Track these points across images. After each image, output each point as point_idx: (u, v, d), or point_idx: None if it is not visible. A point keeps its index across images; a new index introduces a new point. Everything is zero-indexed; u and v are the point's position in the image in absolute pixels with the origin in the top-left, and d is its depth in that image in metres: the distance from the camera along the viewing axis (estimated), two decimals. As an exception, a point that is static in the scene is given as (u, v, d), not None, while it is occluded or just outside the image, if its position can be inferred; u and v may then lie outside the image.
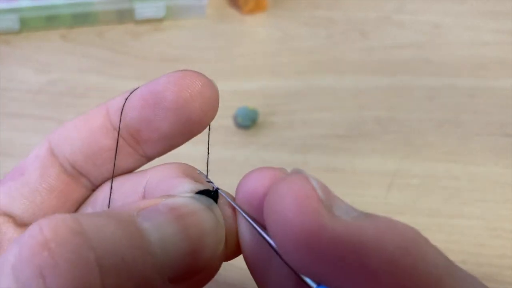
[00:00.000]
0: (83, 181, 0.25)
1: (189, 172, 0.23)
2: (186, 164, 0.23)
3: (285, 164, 0.47)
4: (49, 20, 0.59)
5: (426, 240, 0.17)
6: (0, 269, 0.16)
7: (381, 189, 0.44)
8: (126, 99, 0.24)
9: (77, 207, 0.25)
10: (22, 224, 0.24)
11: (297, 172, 0.18)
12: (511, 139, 0.47)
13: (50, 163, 0.24)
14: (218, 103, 0.23)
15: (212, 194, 0.21)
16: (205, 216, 0.19)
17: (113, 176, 0.24)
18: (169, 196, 0.20)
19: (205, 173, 0.23)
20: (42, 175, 0.24)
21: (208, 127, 0.23)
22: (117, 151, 0.24)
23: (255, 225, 0.19)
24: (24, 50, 0.57)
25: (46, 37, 0.59)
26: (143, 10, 0.59)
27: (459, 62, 0.55)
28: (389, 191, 0.44)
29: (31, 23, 0.59)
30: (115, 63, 0.56)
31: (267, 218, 0.17)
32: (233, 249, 0.21)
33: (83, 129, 0.24)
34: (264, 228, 0.18)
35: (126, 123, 0.23)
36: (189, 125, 0.22)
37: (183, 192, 0.21)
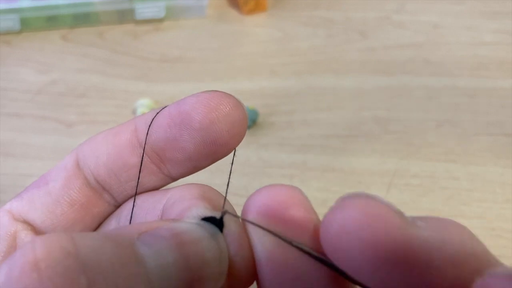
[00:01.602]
0: (106, 196, 0.24)
1: (209, 195, 0.22)
2: (208, 186, 0.22)
3: (285, 164, 0.47)
4: (50, 21, 0.59)
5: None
6: None
7: (380, 189, 0.44)
8: (154, 116, 0.23)
9: (98, 221, 0.25)
10: (40, 233, 0.24)
11: (357, 195, 0.16)
12: (511, 139, 0.47)
13: (74, 175, 0.24)
14: (246, 127, 0.22)
15: (217, 221, 0.19)
16: (208, 246, 0.18)
17: (136, 193, 0.24)
18: (173, 220, 0.19)
19: (225, 198, 0.22)
20: (65, 187, 0.24)
21: (233, 151, 0.22)
22: (142, 168, 0.23)
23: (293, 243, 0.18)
24: (25, 50, 0.58)
25: (47, 37, 0.59)
26: (143, 10, 0.59)
27: (458, 62, 0.55)
28: (388, 191, 0.44)
29: (31, 23, 0.59)
30: (115, 63, 0.56)
31: (328, 247, 0.16)
32: (246, 276, 0.19)
33: (110, 144, 0.24)
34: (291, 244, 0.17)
35: (152, 141, 0.23)
36: (215, 147, 0.22)
37: (189, 217, 0.20)
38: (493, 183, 0.44)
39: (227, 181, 0.22)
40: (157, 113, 0.23)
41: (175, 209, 0.21)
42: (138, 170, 0.23)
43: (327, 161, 0.46)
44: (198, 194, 0.22)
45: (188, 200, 0.21)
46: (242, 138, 0.22)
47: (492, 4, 0.62)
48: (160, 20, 0.60)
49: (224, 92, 0.22)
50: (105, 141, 0.24)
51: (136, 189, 0.24)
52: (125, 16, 0.60)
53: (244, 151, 0.47)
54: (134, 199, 0.24)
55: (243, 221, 0.19)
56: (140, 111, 0.49)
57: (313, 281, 0.18)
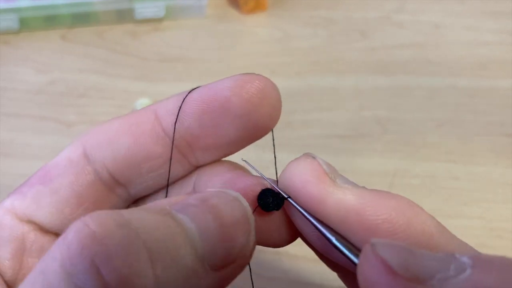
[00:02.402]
0: (119, 191, 0.23)
1: (242, 168, 0.23)
2: (233, 162, 0.23)
3: (285, 164, 0.47)
4: (49, 20, 0.59)
5: (418, 206, 0.19)
6: (45, 270, 0.16)
7: (381, 189, 0.44)
8: (182, 104, 0.22)
9: None
10: (48, 231, 0.23)
11: (306, 154, 0.21)
12: (511, 139, 0.47)
13: (83, 170, 0.23)
14: (281, 109, 0.22)
15: (274, 195, 0.21)
16: (235, 206, 0.19)
17: (168, 183, 0.23)
18: (195, 192, 0.21)
19: (252, 168, 0.23)
20: (73, 184, 0.23)
21: (272, 132, 0.23)
22: (168, 158, 0.23)
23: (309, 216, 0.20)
24: (24, 50, 0.57)
25: (46, 37, 0.58)
26: (143, 10, 0.59)
27: (459, 62, 0.55)
28: (389, 191, 0.44)
29: (30, 23, 0.59)
30: (115, 63, 0.56)
31: (281, 186, 0.21)
32: (284, 237, 0.22)
33: (129, 135, 0.22)
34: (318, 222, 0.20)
35: (183, 129, 0.22)
36: (255, 131, 0.22)
37: (248, 187, 0.21)
38: (493, 183, 0.44)
39: (274, 160, 0.24)
40: (184, 98, 0.22)
41: (216, 182, 0.22)
42: (162, 161, 0.23)
43: (328, 161, 0.46)
44: (235, 166, 0.23)
45: (228, 172, 0.22)
46: (279, 118, 0.23)
47: (493, 4, 0.62)
48: (159, 20, 0.60)
49: (259, 74, 0.22)
50: (121, 132, 0.23)
51: (168, 178, 0.23)
52: (124, 16, 0.60)
53: (243, 151, 0.47)
54: (167, 189, 0.23)
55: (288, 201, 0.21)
56: (139, 111, 0.49)
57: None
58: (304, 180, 0.20)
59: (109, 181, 0.23)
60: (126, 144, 0.22)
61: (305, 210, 0.20)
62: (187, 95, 0.22)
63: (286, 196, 0.21)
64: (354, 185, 0.20)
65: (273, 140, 0.23)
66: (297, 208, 0.20)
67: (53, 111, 0.51)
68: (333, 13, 0.61)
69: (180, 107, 0.22)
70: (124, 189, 0.23)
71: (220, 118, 0.22)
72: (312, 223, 0.20)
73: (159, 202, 0.20)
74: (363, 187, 0.20)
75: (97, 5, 0.59)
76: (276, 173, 0.22)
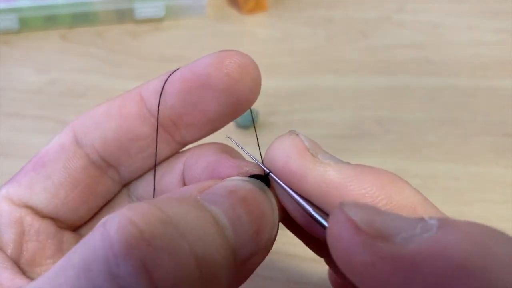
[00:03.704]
0: (111, 173, 0.24)
1: (230, 151, 0.23)
2: (223, 144, 0.23)
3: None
4: (49, 20, 0.59)
5: (402, 179, 0.20)
6: (87, 265, 0.15)
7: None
8: (165, 83, 0.23)
9: (101, 201, 0.24)
10: (44, 216, 0.23)
11: (290, 132, 0.21)
12: (511, 139, 0.47)
13: (74, 154, 0.23)
14: (260, 83, 0.23)
15: (263, 178, 0.21)
16: (262, 198, 0.20)
17: (155, 163, 0.24)
18: (220, 179, 0.20)
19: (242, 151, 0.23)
20: (66, 168, 0.23)
21: (250, 110, 0.23)
22: (155, 138, 0.23)
23: (299, 199, 0.20)
24: (24, 50, 0.57)
25: (46, 37, 0.58)
26: (143, 10, 0.59)
27: (459, 62, 0.55)
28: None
29: (30, 23, 0.58)
30: (115, 63, 0.56)
31: (266, 163, 0.21)
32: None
33: (116, 117, 0.23)
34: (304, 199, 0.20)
35: (168, 108, 0.23)
36: (237, 105, 0.22)
37: (232, 174, 0.21)
38: (493, 183, 0.44)
39: (256, 140, 0.24)
40: (166, 79, 0.23)
41: (200, 164, 0.22)
42: (149, 141, 0.23)
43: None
44: (221, 149, 0.22)
45: (213, 155, 0.22)
46: (259, 93, 0.23)
47: (493, 4, 0.62)
48: (159, 20, 0.60)
49: (237, 50, 0.22)
50: (108, 115, 0.23)
51: (156, 159, 0.23)
52: (124, 16, 0.60)
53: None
54: (155, 170, 0.23)
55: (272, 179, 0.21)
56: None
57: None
58: (285, 156, 0.20)
59: (101, 164, 0.23)
60: (113, 126, 0.23)
61: (287, 186, 0.20)
62: (170, 75, 0.23)
63: (267, 171, 0.21)
64: (337, 160, 0.20)
65: (253, 118, 0.24)
66: (278, 184, 0.21)
67: (53, 111, 0.51)
68: (333, 13, 0.61)
69: (163, 87, 0.23)
70: (115, 171, 0.24)
71: (202, 95, 0.22)
72: (291, 196, 0.20)
73: (186, 190, 0.19)
74: (347, 162, 0.20)
75: (97, 5, 0.59)
76: (260, 153, 0.23)
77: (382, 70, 0.55)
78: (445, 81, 0.53)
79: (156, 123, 0.23)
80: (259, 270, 0.38)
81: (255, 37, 0.60)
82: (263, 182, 0.21)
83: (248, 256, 0.19)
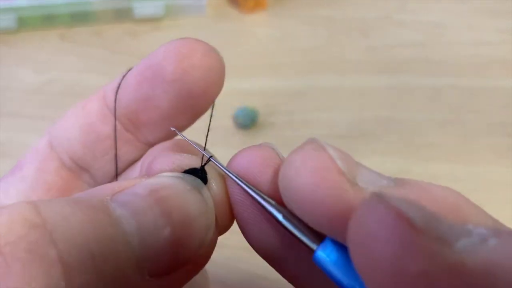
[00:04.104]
0: (85, 177, 0.22)
1: (183, 147, 0.20)
2: (184, 140, 0.20)
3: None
4: (47, 20, 0.58)
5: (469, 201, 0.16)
6: None
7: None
8: (123, 77, 0.21)
9: None
10: None
11: (311, 142, 0.16)
12: (513, 139, 0.47)
13: (49, 157, 0.22)
14: (223, 74, 0.20)
15: (199, 173, 0.18)
16: (191, 199, 0.16)
17: (116, 165, 0.22)
18: (149, 176, 0.17)
19: (200, 146, 0.20)
20: (39, 170, 0.22)
21: (212, 105, 0.20)
22: (116, 138, 0.21)
23: (248, 188, 0.17)
24: (22, 49, 0.57)
25: (44, 37, 0.58)
26: (142, 9, 0.59)
27: (460, 61, 0.55)
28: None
29: (29, 23, 0.58)
30: (114, 62, 0.56)
31: (283, 195, 0.16)
32: (225, 222, 0.18)
33: (80, 116, 0.22)
34: (259, 194, 0.17)
35: (123, 105, 0.21)
36: (191, 100, 0.20)
37: (166, 170, 0.18)
38: (495, 183, 0.44)
39: (207, 132, 0.20)
40: (125, 74, 0.21)
41: (148, 165, 0.19)
42: (112, 142, 0.21)
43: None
44: (170, 145, 0.20)
45: (158, 151, 0.19)
46: (220, 88, 0.20)
47: (494, 4, 0.61)
48: (159, 19, 0.60)
49: (195, 38, 0.20)
50: (74, 115, 0.22)
51: (116, 159, 0.22)
52: (123, 15, 0.59)
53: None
54: (116, 171, 0.22)
55: (224, 171, 0.18)
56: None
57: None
58: (310, 185, 0.15)
59: (72, 167, 0.22)
60: (77, 127, 0.22)
61: (245, 182, 0.17)
62: (128, 71, 0.21)
63: (208, 156, 0.18)
64: (380, 182, 0.16)
65: (211, 115, 0.20)
66: (226, 173, 0.17)
67: (52, 111, 0.50)
68: (334, 12, 0.61)
69: (119, 83, 0.21)
70: (88, 175, 0.23)
71: (154, 88, 0.20)
72: (251, 195, 0.17)
73: (100, 190, 0.17)
74: (392, 180, 0.16)
75: (96, 5, 0.58)
76: (205, 145, 0.20)
77: (382, 70, 0.54)
78: (445, 81, 0.53)
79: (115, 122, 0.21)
80: (255, 269, 0.38)
81: (255, 37, 0.60)
82: (200, 178, 0.18)
83: (163, 270, 0.16)
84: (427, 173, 0.45)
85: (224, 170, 0.18)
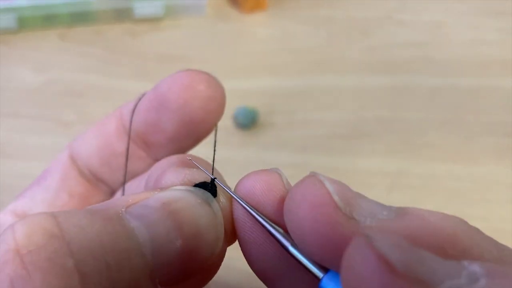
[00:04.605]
0: (102, 187, 0.25)
1: (190, 164, 0.21)
2: (191, 155, 0.22)
3: (286, 164, 0.47)
4: (47, 20, 0.58)
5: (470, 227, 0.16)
6: None
7: (382, 190, 0.43)
8: (137, 102, 0.23)
9: None
10: None
11: (312, 175, 0.17)
12: (513, 139, 0.47)
13: (70, 167, 0.25)
14: (223, 103, 0.22)
15: (209, 187, 0.19)
16: (201, 211, 0.17)
17: (125, 179, 0.24)
18: (161, 189, 0.18)
19: (206, 165, 0.21)
20: (63, 179, 0.24)
21: (215, 126, 0.23)
22: (130, 155, 0.24)
23: (255, 215, 0.18)
24: (22, 49, 0.57)
25: (44, 37, 0.58)
26: (142, 9, 0.59)
27: (461, 61, 0.55)
28: (390, 192, 0.43)
29: (29, 23, 0.58)
30: (114, 62, 0.56)
31: (287, 224, 0.17)
32: (228, 238, 0.19)
33: (99, 133, 0.24)
34: (266, 220, 0.18)
35: (135, 126, 0.23)
36: (193, 126, 0.22)
37: (176, 184, 0.19)
38: (496, 183, 0.44)
39: (213, 153, 0.22)
40: (140, 98, 0.23)
41: (155, 179, 0.20)
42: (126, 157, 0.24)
43: (328, 162, 0.46)
44: (179, 162, 0.21)
45: (167, 166, 0.20)
46: (221, 115, 0.22)
47: (495, 3, 0.61)
48: (159, 19, 0.60)
49: (198, 70, 0.22)
50: (94, 131, 0.25)
51: (125, 174, 0.24)
52: (123, 15, 0.59)
53: (244, 151, 0.46)
54: (124, 186, 0.24)
55: (230, 193, 0.19)
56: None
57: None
58: (309, 220, 0.16)
59: (91, 178, 0.25)
60: (96, 143, 0.24)
61: (251, 206, 0.18)
62: (144, 94, 0.23)
63: (212, 177, 0.19)
64: (379, 214, 0.16)
65: (216, 135, 0.23)
66: (234, 197, 0.18)
67: (52, 111, 0.51)
68: (334, 12, 0.61)
69: (135, 106, 0.23)
70: (106, 186, 0.25)
71: (160, 115, 0.22)
72: (260, 222, 0.17)
73: (114, 202, 0.17)
74: (393, 211, 0.16)
75: (96, 4, 0.58)
76: (213, 167, 0.21)
77: (382, 70, 0.54)
78: (446, 80, 0.53)
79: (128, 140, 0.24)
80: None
81: (255, 37, 0.60)
82: (210, 191, 0.19)
83: (175, 278, 0.16)
84: (427, 173, 0.45)
85: (234, 196, 0.19)
